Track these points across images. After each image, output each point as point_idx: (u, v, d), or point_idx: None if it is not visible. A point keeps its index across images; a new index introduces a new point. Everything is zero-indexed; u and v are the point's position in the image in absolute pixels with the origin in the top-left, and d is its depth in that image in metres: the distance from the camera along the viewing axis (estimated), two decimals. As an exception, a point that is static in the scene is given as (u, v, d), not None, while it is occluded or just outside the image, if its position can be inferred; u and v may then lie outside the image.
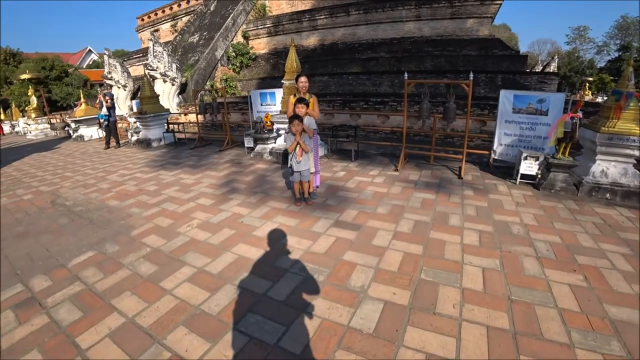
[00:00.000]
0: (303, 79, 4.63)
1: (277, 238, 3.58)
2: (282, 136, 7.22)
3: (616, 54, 35.81)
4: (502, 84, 11.12)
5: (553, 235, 3.49)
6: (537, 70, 19.04)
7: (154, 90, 10.22)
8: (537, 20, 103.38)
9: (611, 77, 30.66)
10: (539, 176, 4.88)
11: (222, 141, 8.92)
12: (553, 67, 20.96)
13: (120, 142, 10.89)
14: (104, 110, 10.49)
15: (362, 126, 11.47)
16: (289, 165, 4.30)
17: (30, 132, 17.09)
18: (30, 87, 19.72)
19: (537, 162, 4.91)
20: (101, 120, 10.83)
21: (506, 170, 5.69)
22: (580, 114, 4.46)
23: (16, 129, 20.42)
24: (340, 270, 2.91)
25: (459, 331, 2.23)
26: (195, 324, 2.40)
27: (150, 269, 3.16)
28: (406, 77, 5.57)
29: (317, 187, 4.99)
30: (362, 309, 2.45)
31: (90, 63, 48.21)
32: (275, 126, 7.39)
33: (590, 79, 31.06)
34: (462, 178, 5.35)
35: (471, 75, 5.11)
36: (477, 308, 2.43)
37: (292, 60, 6.46)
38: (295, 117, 4.11)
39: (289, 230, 3.76)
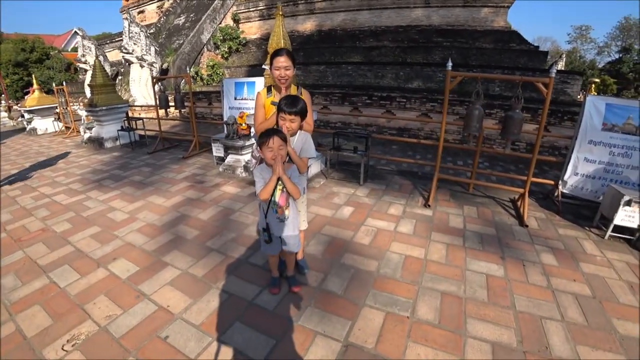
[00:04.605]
0: (282, 58, 2.37)
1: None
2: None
3: (617, 56, 34.46)
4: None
5: None
6: (560, 69, 17.30)
7: (108, 77, 8.16)
8: (537, 17, 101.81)
9: (613, 80, 29.05)
10: (644, 233, 3.15)
11: (190, 142, 6.99)
12: (560, 66, 19.37)
13: (69, 137, 8.83)
14: None
15: (365, 125, 9.69)
16: (258, 225, 2.38)
17: (-10, 122, 14.85)
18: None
19: (646, 211, 3.17)
20: None
21: (576, 209, 3.99)
22: None
23: (-18, 118, 17.99)
24: None
25: None
26: None
27: None
28: (450, 67, 3.61)
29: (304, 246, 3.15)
30: None
31: (76, 46, 45.23)
32: (253, 130, 5.41)
33: (597, 80, 29.35)
34: (526, 226, 3.58)
35: (554, 69, 3.28)
36: None
37: (280, 37, 4.48)
38: (271, 133, 2.07)
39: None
